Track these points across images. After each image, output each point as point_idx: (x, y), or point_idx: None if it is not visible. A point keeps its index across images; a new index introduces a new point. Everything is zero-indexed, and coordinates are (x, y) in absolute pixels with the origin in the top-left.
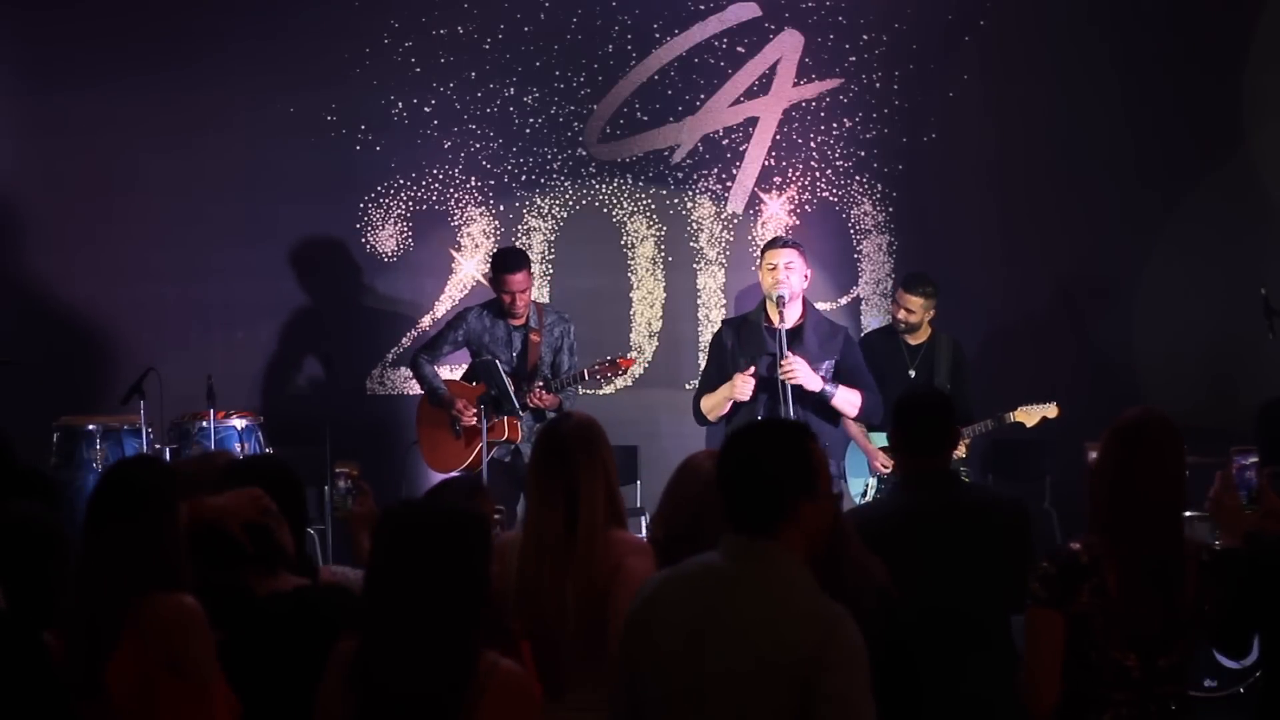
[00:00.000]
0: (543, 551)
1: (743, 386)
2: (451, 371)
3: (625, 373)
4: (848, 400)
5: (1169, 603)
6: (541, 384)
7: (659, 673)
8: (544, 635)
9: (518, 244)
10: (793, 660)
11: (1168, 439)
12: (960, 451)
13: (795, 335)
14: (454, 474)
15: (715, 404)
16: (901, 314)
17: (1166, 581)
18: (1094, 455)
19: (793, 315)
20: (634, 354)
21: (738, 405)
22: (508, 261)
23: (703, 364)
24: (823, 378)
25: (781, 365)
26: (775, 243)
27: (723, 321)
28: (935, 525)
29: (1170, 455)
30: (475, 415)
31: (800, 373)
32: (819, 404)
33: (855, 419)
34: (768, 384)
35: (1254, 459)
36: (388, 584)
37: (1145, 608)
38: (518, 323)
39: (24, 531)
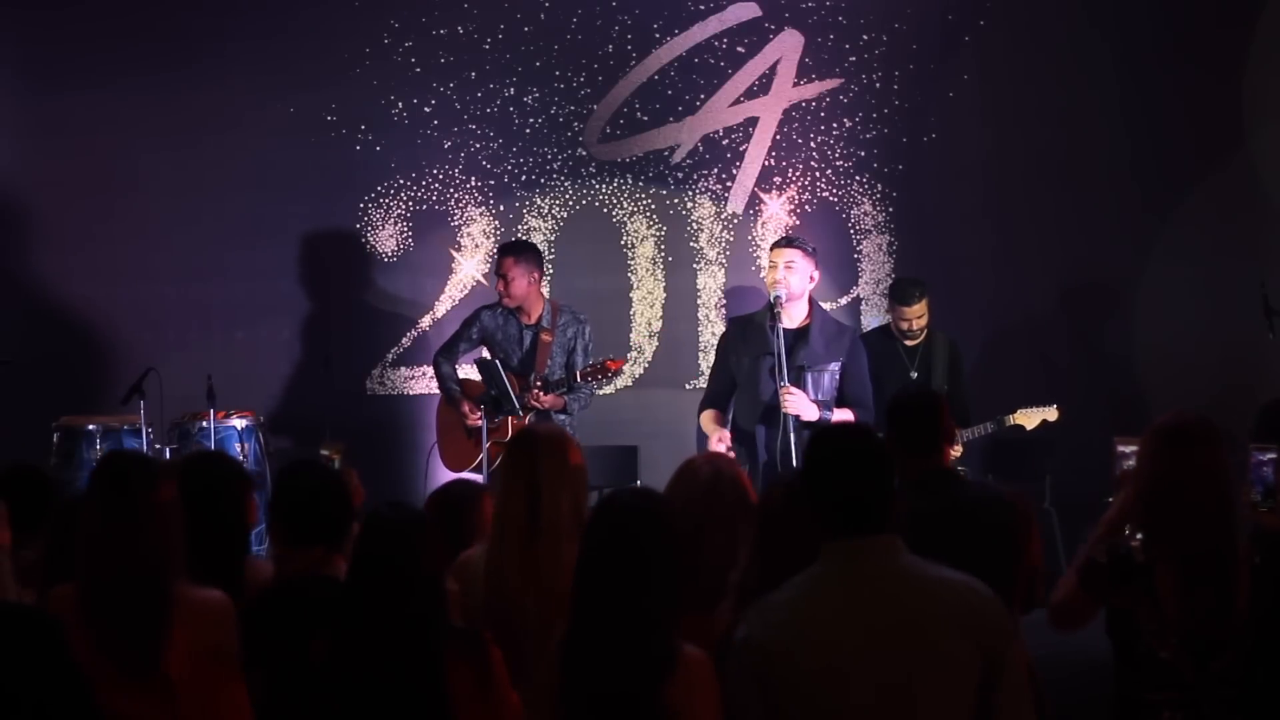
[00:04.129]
0: (506, 543)
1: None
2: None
3: (616, 374)
4: None
5: (1220, 605)
6: (539, 385)
7: (836, 692)
8: (510, 633)
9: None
10: (981, 635)
11: (1210, 441)
12: (956, 451)
13: (801, 335)
14: (464, 474)
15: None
16: (904, 325)
17: (1217, 583)
18: (1120, 449)
19: (799, 315)
20: (631, 354)
21: (740, 399)
22: (500, 246)
23: (704, 364)
24: (818, 403)
25: (782, 394)
26: (779, 242)
27: (729, 319)
28: (934, 526)
29: (1214, 457)
30: (480, 413)
31: (796, 404)
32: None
33: None
34: (769, 410)
35: (1271, 455)
36: (364, 581)
37: (1196, 609)
38: (529, 321)
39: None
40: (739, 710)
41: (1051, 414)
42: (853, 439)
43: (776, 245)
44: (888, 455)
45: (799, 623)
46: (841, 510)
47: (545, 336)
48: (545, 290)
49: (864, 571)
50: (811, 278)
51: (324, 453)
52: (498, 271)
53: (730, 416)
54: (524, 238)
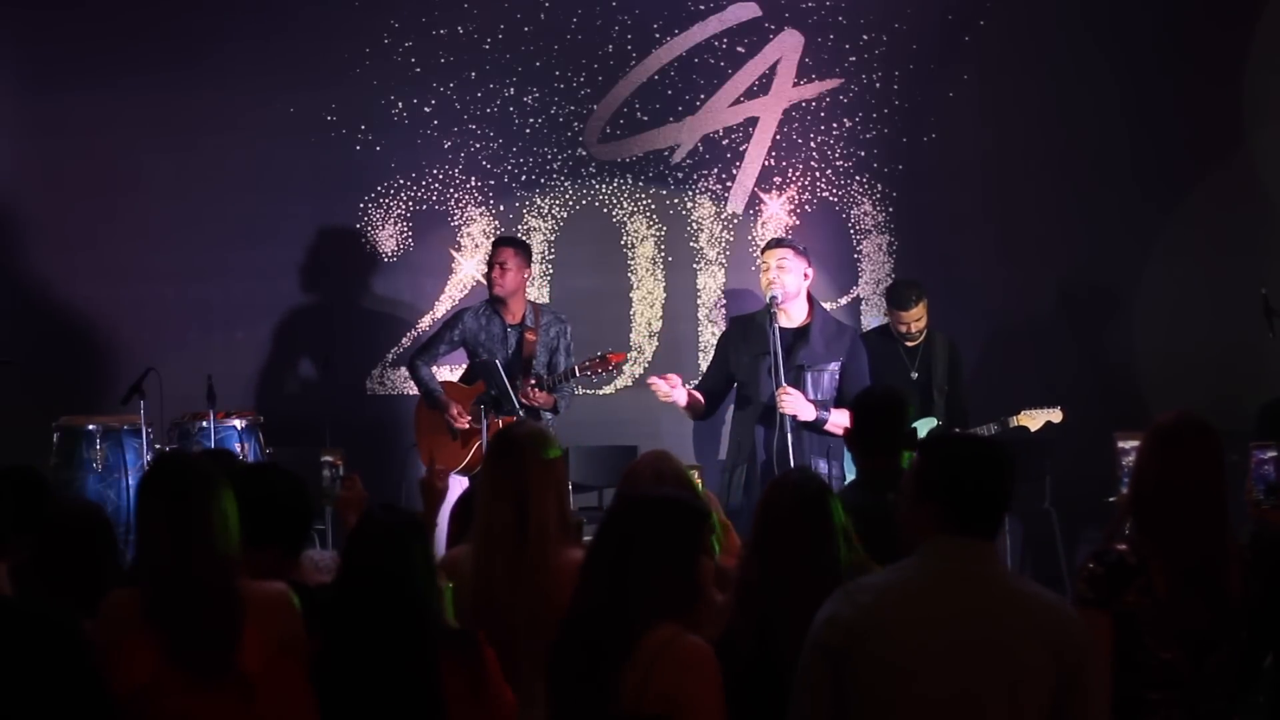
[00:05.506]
0: (493, 549)
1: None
2: (451, 372)
3: (617, 368)
4: (838, 424)
5: (1215, 601)
6: (534, 381)
7: (905, 683)
8: (499, 632)
9: None
10: (1061, 651)
11: (1205, 440)
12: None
13: (801, 335)
14: (453, 474)
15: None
16: (903, 328)
17: (1212, 580)
18: (1121, 444)
19: (800, 315)
20: (631, 354)
21: (740, 399)
22: (499, 238)
23: (704, 364)
24: (815, 403)
25: (778, 394)
26: (770, 244)
27: (730, 319)
28: (870, 525)
29: (1209, 455)
30: (468, 418)
31: (793, 404)
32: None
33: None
34: (768, 410)
35: (1273, 453)
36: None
37: (1192, 606)
38: (514, 321)
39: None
40: (806, 686)
41: (1056, 415)
42: (989, 445)
43: (767, 247)
44: (1013, 469)
45: (885, 608)
46: (958, 509)
47: (530, 335)
48: (546, 290)
49: (958, 571)
50: (806, 275)
51: (326, 458)
52: (494, 260)
53: (710, 409)
54: (523, 238)
